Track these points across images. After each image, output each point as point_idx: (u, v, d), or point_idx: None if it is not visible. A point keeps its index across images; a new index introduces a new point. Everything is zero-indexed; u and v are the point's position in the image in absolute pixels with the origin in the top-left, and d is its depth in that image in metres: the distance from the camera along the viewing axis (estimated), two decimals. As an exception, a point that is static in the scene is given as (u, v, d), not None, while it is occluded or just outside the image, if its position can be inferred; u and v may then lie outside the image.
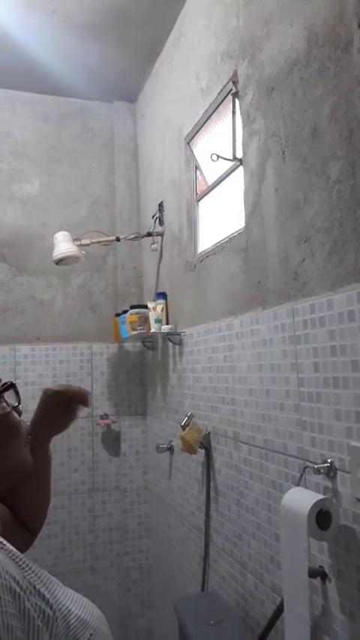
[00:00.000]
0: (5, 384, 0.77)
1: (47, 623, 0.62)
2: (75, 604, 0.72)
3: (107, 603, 2.66)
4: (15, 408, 0.78)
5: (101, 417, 2.70)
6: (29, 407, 0.98)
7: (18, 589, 0.61)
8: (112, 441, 2.75)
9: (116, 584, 2.69)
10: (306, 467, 1.20)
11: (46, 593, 0.66)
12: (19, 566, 0.68)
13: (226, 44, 1.71)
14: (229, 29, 1.69)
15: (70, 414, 0.98)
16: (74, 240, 2.37)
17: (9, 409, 0.76)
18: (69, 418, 0.99)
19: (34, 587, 0.65)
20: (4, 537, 0.82)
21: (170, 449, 2.31)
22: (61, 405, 0.97)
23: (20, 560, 0.69)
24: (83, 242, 2.40)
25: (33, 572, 0.69)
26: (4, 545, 0.70)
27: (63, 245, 2.34)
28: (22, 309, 2.70)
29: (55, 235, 2.38)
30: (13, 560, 0.68)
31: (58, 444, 2.64)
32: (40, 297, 2.74)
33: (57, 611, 0.65)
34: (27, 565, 0.69)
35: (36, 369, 2.65)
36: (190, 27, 2.06)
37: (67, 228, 2.50)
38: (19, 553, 0.71)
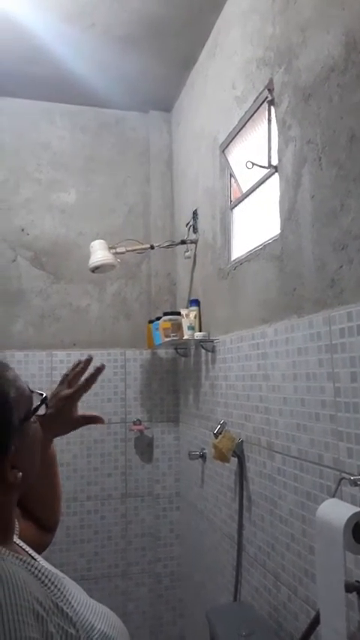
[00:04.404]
0: (41, 398, 0.81)
1: None
2: (98, 618, 0.73)
3: (139, 609, 2.66)
4: (41, 417, 0.82)
5: (134, 423, 2.72)
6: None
7: (42, 611, 0.62)
8: (144, 447, 2.77)
9: (148, 590, 2.69)
10: (342, 478, 1.18)
11: (69, 611, 0.67)
12: (43, 583, 0.69)
13: (261, 52, 1.71)
14: (265, 37, 1.69)
15: (76, 424, 1.00)
16: (110, 248, 2.41)
17: (37, 421, 0.80)
18: (74, 426, 1.00)
19: (57, 606, 0.66)
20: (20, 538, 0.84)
21: (202, 456, 2.31)
22: (68, 413, 0.98)
23: (43, 575, 0.70)
24: (118, 250, 2.43)
25: (57, 587, 0.70)
26: (27, 561, 0.71)
27: (99, 253, 2.38)
28: (59, 315, 2.76)
29: (92, 244, 2.43)
30: (36, 577, 0.69)
31: (92, 449, 2.68)
32: (76, 304, 2.79)
33: (80, 629, 0.66)
34: (50, 581, 0.70)
35: (71, 375, 2.69)
36: (226, 36, 2.07)
37: (103, 237, 2.55)
38: (42, 567, 0.72)
